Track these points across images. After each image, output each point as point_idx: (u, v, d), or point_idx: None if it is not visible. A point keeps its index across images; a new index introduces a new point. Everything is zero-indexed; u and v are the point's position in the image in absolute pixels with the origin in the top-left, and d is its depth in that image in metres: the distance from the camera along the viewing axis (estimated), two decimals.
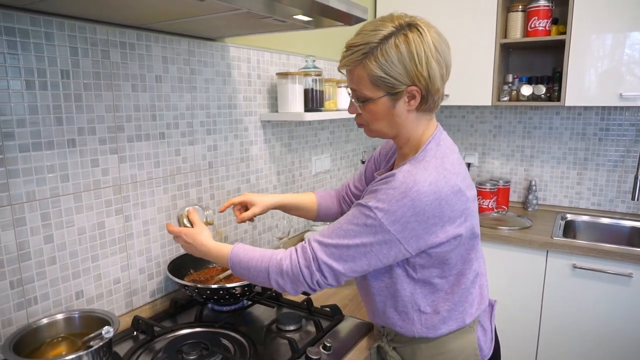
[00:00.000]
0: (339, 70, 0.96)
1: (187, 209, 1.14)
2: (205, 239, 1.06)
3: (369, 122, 0.97)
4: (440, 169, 0.89)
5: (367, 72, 0.88)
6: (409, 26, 0.88)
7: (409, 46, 0.86)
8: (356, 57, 0.89)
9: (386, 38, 0.87)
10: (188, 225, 1.11)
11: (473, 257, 0.98)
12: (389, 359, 1.05)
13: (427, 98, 0.91)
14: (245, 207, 1.23)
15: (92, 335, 0.92)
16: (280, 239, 1.53)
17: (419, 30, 0.88)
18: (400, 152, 1.03)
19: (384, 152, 1.18)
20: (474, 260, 0.98)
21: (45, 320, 1.00)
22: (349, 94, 0.97)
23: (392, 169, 1.06)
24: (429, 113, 0.96)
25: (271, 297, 1.37)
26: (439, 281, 0.96)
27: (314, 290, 0.94)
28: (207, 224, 1.17)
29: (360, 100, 0.94)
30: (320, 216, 1.31)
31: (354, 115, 0.99)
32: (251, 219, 1.22)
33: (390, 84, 0.88)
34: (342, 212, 1.30)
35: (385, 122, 0.95)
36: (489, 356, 1.04)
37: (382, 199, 0.87)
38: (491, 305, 1.10)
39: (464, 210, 0.91)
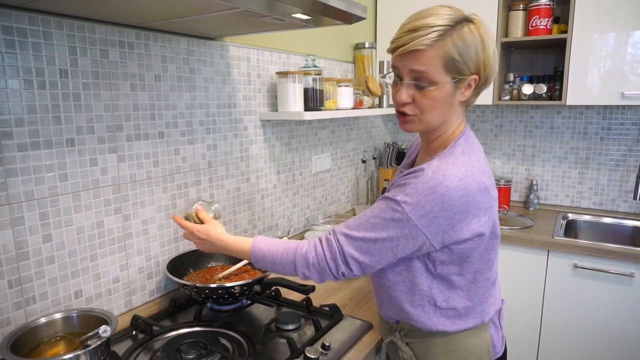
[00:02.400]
0: (398, 53, 0.89)
1: (195, 206, 1.13)
2: (220, 233, 1.06)
3: (423, 111, 0.92)
4: (468, 165, 0.89)
5: (444, 53, 0.85)
6: (470, 18, 0.89)
7: (481, 34, 0.87)
8: (433, 37, 0.84)
9: (459, 22, 0.86)
10: (198, 222, 1.11)
11: (493, 257, 0.98)
12: (401, 354, 1.05)
13: (480, 89, 0.92)
14: None
15: (89, 334, 0.92)
16: (280, 238, 1.53)
17: (477, 23, 0.88)
18: (428, 146, 1.01)
19: (411, 149, 1.17)
20: (494, 260, 0.99)
21: (43, 320, 1.00)
22: (399, 79, 0.92)
23: (413, 164, 1.06)
24: (466, 109, 0.97)
25: (270, 296, 1.37)
26: (457, 278, 0.96)
27: (338, 280, 0.96)
28: (215, 218, 1.16)
29: (424, 84, 0.88)
30: None
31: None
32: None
33: (460, 69, 0.87)
34: None
35: (440, 112, 0.92)
36: (500, 353, 1.05)
37: (410, 193, 0.87)
38: (500, 306, 1.11)
39: (488, 208, 0.91)
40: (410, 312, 1.01)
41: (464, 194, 0.86)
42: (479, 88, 0.93)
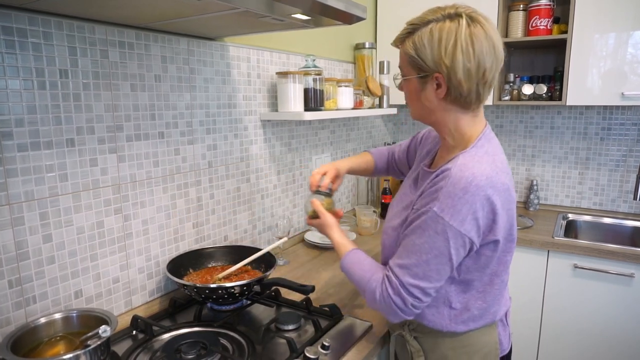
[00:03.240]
0: (393, 45, 1.01)
1: (310, 199, 1.22)
2: (329, 230, 1.17)
3: (406, 101, 1.02)
4: (493, 165, 0.90)
5: (405, 51, 0.94)
6: (456, 15, 0.89)
7: (441, 33, 0.88)
8: (400, 36, 0.96)
9: (428, 23, 0.90)
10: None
11: (509, 259, 0.98)
12: (409, 348, 1.06)
13: (451, 90, 0.91)
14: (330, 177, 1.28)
15: (89, 334, 0.92)
16: (280, 238, 1.53)
17: (458, 21, 0.88)
18: (444, 143, 1.02)
19: (428, 139, 1.20)
20: (509, 262, 0.99)
21: (43, 320, 1.00)
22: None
23: (433, 160, 1.09)
24: (464, 109, 0.95)
25: (270, 296, 1.37)
26: (476, 283, 0.97)
27: (411, 315, 0.95)
28: (328, 209, 1.22)
29: (402, 76, 0.99)
30: (375, 173, 1.43)
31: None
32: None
33: (419, 66, 0.92)
34: (387, 171, 1.41)
35: (418, 105, 0.98)
36: (507, 351, 1.07)
37: (444, 202, 0.87)
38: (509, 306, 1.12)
39: (509, 210, 0.92)
40: (424, 312, 1.01)
41: (493, 192, 0.87)
42: (452, 88, 0.90)
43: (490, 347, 1.02)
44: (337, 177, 1.29)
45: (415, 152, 1.25)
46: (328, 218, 1.18)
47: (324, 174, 1.26)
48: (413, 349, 1.05)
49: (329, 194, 1.24)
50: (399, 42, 0.96)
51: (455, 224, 0.86)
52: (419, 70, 0.92)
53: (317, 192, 1.23)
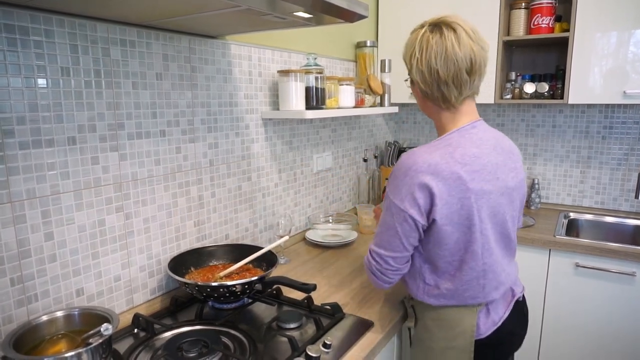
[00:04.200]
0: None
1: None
2: None
3: None
4: (447, 156, 1.00)
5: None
6: (421, 26, 1.06)
7: (407, 42, 1.07)
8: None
9: (415, 30, 1.08)
10: None
11: (477, 249, 1.04)
12: (408, 315, 1.26)
13: (419, 89, 1.08)
14: None
15: (91, 332, 0.92)
16: (281, 236, 1.53)
17: (420, 31, 1.05)
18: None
19: None
20: (479, 254, 1.05)
21: (45, 318, 1.00)
22: None
23: None
24: (439, 107, 1.09)
25: (272, 295, 1.37)
26: (443, 264, 1.07)
27: (387, 282, 1.12)
28: None
29: None
30: None
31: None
32: None
33: (406, 66, 1.10)
34: None
35: (418, 103, 1.15)
36: (484, 336, 1.12)
37: (391, 183, 1.04)
38: (513, 295, 1.18)
39: (461, 198, 0.99)
40: (407, 280, 1.18)
41: (432, 178, 0.98)
42: (423, 87, 1.06)
43: (465, 327, 1.11)
44: None
45: None
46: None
47: None
48: (408, 314, 1.25)
49: None
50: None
51: (397, 202, 1.02)
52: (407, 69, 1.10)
53: None
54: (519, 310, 1.19)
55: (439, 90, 1.04)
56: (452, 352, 1.11)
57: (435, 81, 1.03)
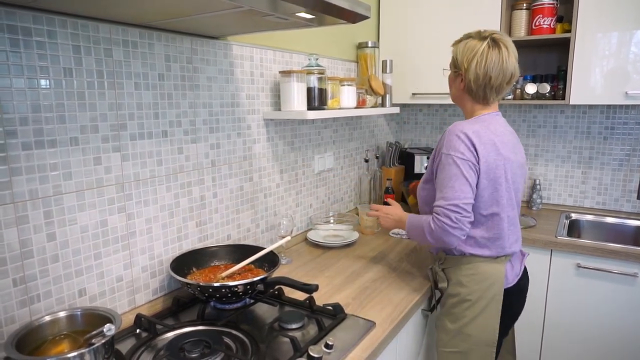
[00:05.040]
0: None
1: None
2: (399, 212, 1.50)
3: (449, 86, 1.44)
4: (485, 128, 1.28)
5: (454, 51, 1.37)
6: (483, 38, 1.30)
7: (467, 46, 1.31)
8: (459, 40, 1.36)
9: (467, 38, 1.34)
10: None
11: (505, 204, 1.30)
12: (438, 278, 1.42)
13: (466, 85, 1.33)
14: None
15: (93, 332, 0.92)
16: (283, 237, 1.53)
17: (482, 42, 1.29)
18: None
19: None
20: (506, 207, 1.30)
21: (47, 318, 1.00)
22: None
23: None
24: (475, 101, 1.36)
25: (273, 295, 1.37)
26: (478, 216, 1.30)
27: (462, 232, 1.25)
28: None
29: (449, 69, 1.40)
30: None
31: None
32: None
33: (456, 65, 1.35)
34: None
35: (452, 90, 1.42)
36: (512, 284, 1.37)
37: (446, 145, 1.27)
38: (523, 255, 1.45)
39: (495, 159, 1.26)
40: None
41: (475, 136, 1.24)
42: (473, 85, 1.31)
43: (496, 277, 1.32)
44: None
45: None
46: (388, 207, 1.53)
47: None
48: (439, 277, 1.41)
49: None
50: (454, 44, 1.37)
51: (457, 155, 1.24)
52: (454, 67, 1.36)
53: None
54: (525, 270, 1.46)
55: (483, 91, 1.32)
56: (484, 302, 1.32)
57: (484, 84, 1.30)
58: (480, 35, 1.31)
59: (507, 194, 1.30)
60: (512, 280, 1.38)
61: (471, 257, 1.35)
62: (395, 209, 1.51)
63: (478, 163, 1.25)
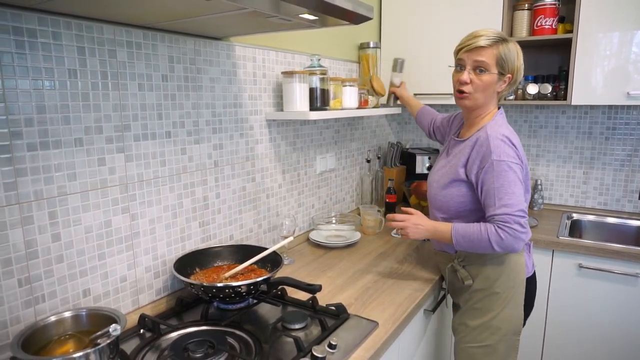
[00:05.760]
0: (468, 49, 1.34)
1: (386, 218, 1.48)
2: (429, 220, 1.44)
3: (476, 90, 1.35)
4: (508, 129, 1.34)
5: (497, 53, 1.32)
6: (513, 41, 1.36)
7: (517, 49, 1.35)
8: (491, 40, 1.31)
9: (504, 38, 1.33)
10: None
11: (527, 199, 1.34)
12: (459, 275, 1.42)
13: (510, 87, 1.38)
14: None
15: (99, 333, 0.93)
16: (286, 237, 1.54)
17: (516, 44, 1.35)
18: (470, 122, 1.44)
19: (454, 122, 1.63)
20: (525, 197, 1.32)
21: (53, 318, 1.01)
22: (459, 69, 1.38)
23: (458, 134, 1.50)
24: (495, 99, 1.39)
25: (277, 295, 1.37)
26: None
27: (529, 233, 1.27)
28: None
29: (482, 70, 1.33)
30: (417, 117, 1.90)
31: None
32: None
33: (503, 67, 1.33)
34: (423, 124, 1.86)
35: (485, 93, 1.36)
36: (531, 273, 1.46)
37: (496, 151, 1.27)
38: (528, 245, 1.48)
39: (523, 156, 1.33)
40: None
41: (514, 142, 1.30)
42: (510, 85, 1.37)
43: (519, 268, 1.38)
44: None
45: (448, 126, 1.66)
46: (421, 214, 1.46)
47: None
48: (462, 275, 1.41)
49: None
50: (494, 44, 1.31)
51: (510, 160, 1.27)
52: (500, 69, 1.33)
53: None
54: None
55: (511, 88, 1.39)
56: (511, 292, 1.37)
57: (517, 82, 1.38)
58: (501, 35, 1.34)
59: (527, 182, 1.36)
60: (531, 269, 1.46)
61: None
62: (422, 219, 1.42)
63: (523, 166, 1.31)
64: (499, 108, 1.42)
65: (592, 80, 2.00)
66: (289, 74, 1.59)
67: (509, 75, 1.34)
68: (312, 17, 1.08)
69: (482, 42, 1.31)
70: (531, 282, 1.45)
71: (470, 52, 1.34)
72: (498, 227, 1.26)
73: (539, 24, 2.09)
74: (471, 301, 1.42)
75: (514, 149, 1.28)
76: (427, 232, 1.40)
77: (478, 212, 1.36)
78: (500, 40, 1.32)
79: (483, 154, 1.29)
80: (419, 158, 2.52)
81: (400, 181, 2.52)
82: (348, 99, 1.82)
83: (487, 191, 1.29)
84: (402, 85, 2.08)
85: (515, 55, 1.33)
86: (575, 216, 2.31)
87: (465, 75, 1.35)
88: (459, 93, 1.38)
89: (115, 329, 0.90)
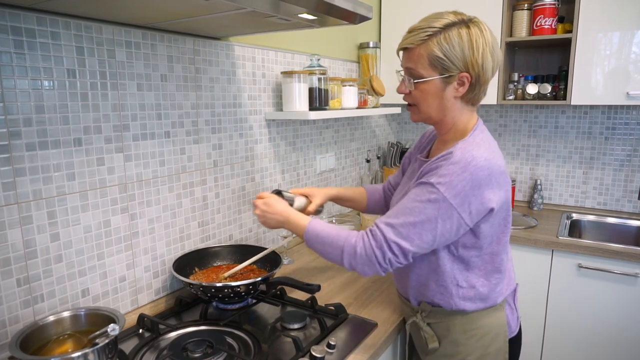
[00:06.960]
0: (398, 51, 1.05)
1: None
2: (283, 208, 1.16)
3: (419, 103, 1.04)
4: (489, 150, 0.98)
5: (428, 52, 0.97)
6: (470, 21, 0.98)
7: (470, 36, 0.96)
8: (420, 37, 0.98)
9: (449, 26, 0.97)
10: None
11: (506, 240, 1.07)
12: (422, 334, 1.13)
13: (475, 87, 1.00)
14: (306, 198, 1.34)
15: (98, 332, 0.93)
16: (285, 237, 1.54)
17: (479, 26, 0.98)
18: (441, 138, 1.10)
19: (418, 145, 1.26)
20: (507, 243, 1.07)
21: (51, 318, 1.00)
22: (401, 74, 1.06)
23: (427, 156, 1.15)
24: (471, 105, 1.05)
25: (276, 295, 1.37)
26: (475, 260, 1.04)
27: (386, 270, 1.00)
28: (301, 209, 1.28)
29: (414, 78, 1.01)
30: (370, 209, 1.43)
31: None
32: (316, 211, 1.35)
33: (446, 66, 0.97)
34: (386, 205, 1.39)
35: (434, 105, 1.03)
36: (515, 332, 1.13)
37: (443, 175, 0.94)
38: (513, 294, 1.16)
39: (506, 190, 0.99)
40: (434, 291, 1.08)
41: (489, 173, 0.94)
42: (476, 85, 1.00)
43: (499, 329, 1.08)
44: (313, 198, 1.34)
45: (416, 148, 1.28)
46: (282, 200, 1.20)
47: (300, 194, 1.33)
48: (427, 335, 1.12)
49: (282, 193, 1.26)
50: (415, 43, 0.99)
51: (449, 197, 0.93)
52: (443, 70, 0.98)
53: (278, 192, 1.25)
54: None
55: (482, 91, 1.03)
56: (488, 358, 1.08)
57: (485, 80, 1.00)
58: (463, 19, 0.98)
59: (508, 227, 1.06)
60: (515, 327, 1.14)
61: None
62: (274, 205, 1.16)
63: (471, 209, 0.95)
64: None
65: (592, 80, 2.00)
66: (288, 73, 1.59)
67: (464, 73, 0.97)
68: (311, 17, 1.08)
69: (405, 42, 1.01)
70: (514, 343, 1.13)
71: (403, 54, 1.04)
72: (363, 237, 1.00)
73: (538, 24, 2.09)
74: None
75: (474, 182, 0.92)
76: (278, 222, 1.15)
77: (441, 247, 1.02)
78: (439, 30, 0.96)
79: (429, 170, 0.99)
80: None
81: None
82: (348, 98, 1.82)
83: (397, 202, 1.03)
84: (314, 202, 1.35)
85: (467, 44, 0.95)
86: (574, 216, 2.31)
87: (400, 85, 1.06)
88: (408, 105, 1.09)
89: (113, 329, 0.90)
